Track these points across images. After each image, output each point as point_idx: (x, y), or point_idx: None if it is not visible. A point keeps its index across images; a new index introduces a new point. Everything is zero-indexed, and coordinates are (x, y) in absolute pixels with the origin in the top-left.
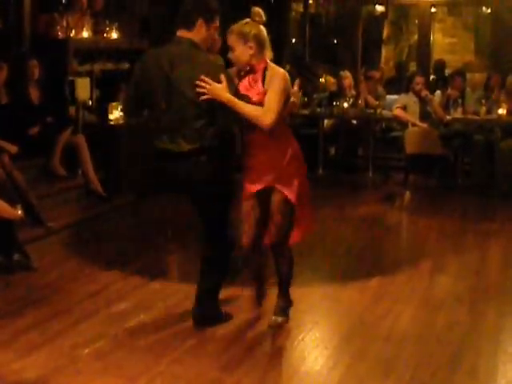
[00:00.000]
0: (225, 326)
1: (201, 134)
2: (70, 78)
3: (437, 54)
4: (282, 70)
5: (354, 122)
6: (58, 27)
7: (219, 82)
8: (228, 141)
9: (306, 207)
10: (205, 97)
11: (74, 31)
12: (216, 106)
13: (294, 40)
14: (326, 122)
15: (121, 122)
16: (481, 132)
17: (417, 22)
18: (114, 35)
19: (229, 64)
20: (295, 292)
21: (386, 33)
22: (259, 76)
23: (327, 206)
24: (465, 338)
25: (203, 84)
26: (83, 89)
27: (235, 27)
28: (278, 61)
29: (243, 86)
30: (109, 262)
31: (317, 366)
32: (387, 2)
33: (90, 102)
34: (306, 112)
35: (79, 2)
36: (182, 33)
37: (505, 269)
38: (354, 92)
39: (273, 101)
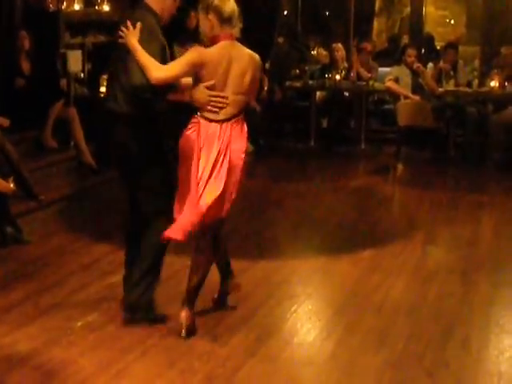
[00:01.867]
0: None
1: (136, 98)
2: (62, 51)
3: (429, 27)
4: (214, 49)
5: (346, 94)
6: (50, 0)
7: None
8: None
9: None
10: (120, 40)
11: (65, 3)
12: None
13: (286, 12)
14: (318, 94)
15: None
16: (473, 104)
17: None
18: (106, 7)
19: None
20: (288, 264)
21: (378, 5)
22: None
23: (319, 177)
24: (457, 309)
25: (124, 29)
26: (75, 61)
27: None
28: (270, 33)
29: None
30: (101, 235)
31: (309, 338)
32: None
33: (82, 75)
34: (298, 84)
35: None
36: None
37: (497, 240)
38: (346, 64)
39: (172, 63)
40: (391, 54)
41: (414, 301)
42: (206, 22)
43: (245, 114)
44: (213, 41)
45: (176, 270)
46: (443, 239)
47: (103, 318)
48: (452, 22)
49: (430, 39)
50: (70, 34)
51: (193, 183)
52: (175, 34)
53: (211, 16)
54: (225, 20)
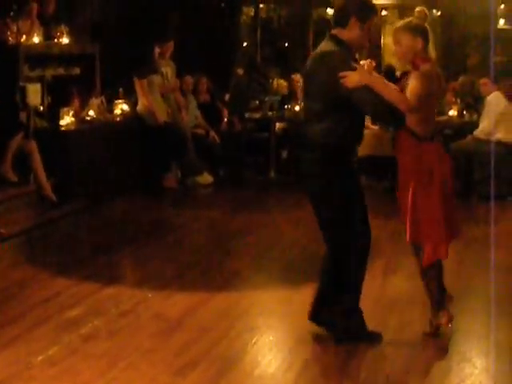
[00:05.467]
0: (178, 331)
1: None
2: (21, 84)
3: (388, 57)
4: (429, 68)
5: None
6: (9, 32)
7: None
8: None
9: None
10: (350, 85)
11: (24, 36)
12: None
13: (245, 44)
14: (277, 125)
15: (72, 127)
16: None
17: None
18: (66, 40)
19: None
20: (249, 296)
21: None
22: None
23: (280, 208)
24: (418, 337)
25: (342, 79)
26: (34, 94)
27: (401, 22)
28: (229, 64)
29: None
30: (62, 268)
31: (271, 369)
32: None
33: (42, 108)
34: (257, 115)
35: (30, 7)
36: (335, 31)
37: (457, 269)
38: None
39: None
40: None
41: (375, 329)
42: (413, 44)
43: (204, 145)
44: (417, 65)
45: (136, 302)
46: (404, 268)
47: (64, 351)
48: None
49: (391, 70)
50: (29, 67)
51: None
52: (136, 66)
53: (419, 38)
54: (427, 43)
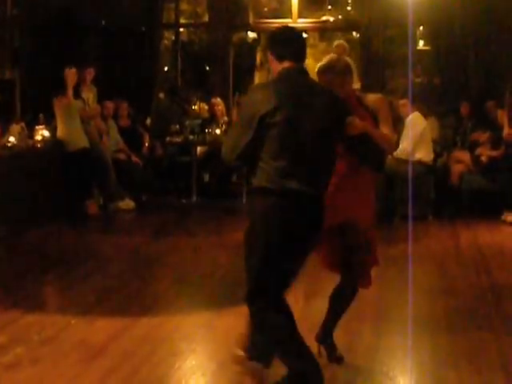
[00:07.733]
0: (102, 358)
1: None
2: None
3: None
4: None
5: None
6: None
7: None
8: None
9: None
10: (356, 133)
11: None
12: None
13: (166, 68)
14: (198, 149)
15: None
16: None
17: None
18: None
19: None
20: (171, 321)
21: (258, 59)
22: (357, 106)
23: (202, 232)
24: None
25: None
26: None
27: (324, 64)
28: (150, 89)
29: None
30: None
31: None
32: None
33: None
34: (178, 139)
35: None
36: (295, 64)
37: (378, 289)
38: (226, 118)
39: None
40: None
41: None
42: (349, 84)
43: (126, 170)
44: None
45: (58, 329)
46: (326, 290)
47: None
48: None
49: None
50: None
51: None
52: (56, 88)
53: (349, 77)
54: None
